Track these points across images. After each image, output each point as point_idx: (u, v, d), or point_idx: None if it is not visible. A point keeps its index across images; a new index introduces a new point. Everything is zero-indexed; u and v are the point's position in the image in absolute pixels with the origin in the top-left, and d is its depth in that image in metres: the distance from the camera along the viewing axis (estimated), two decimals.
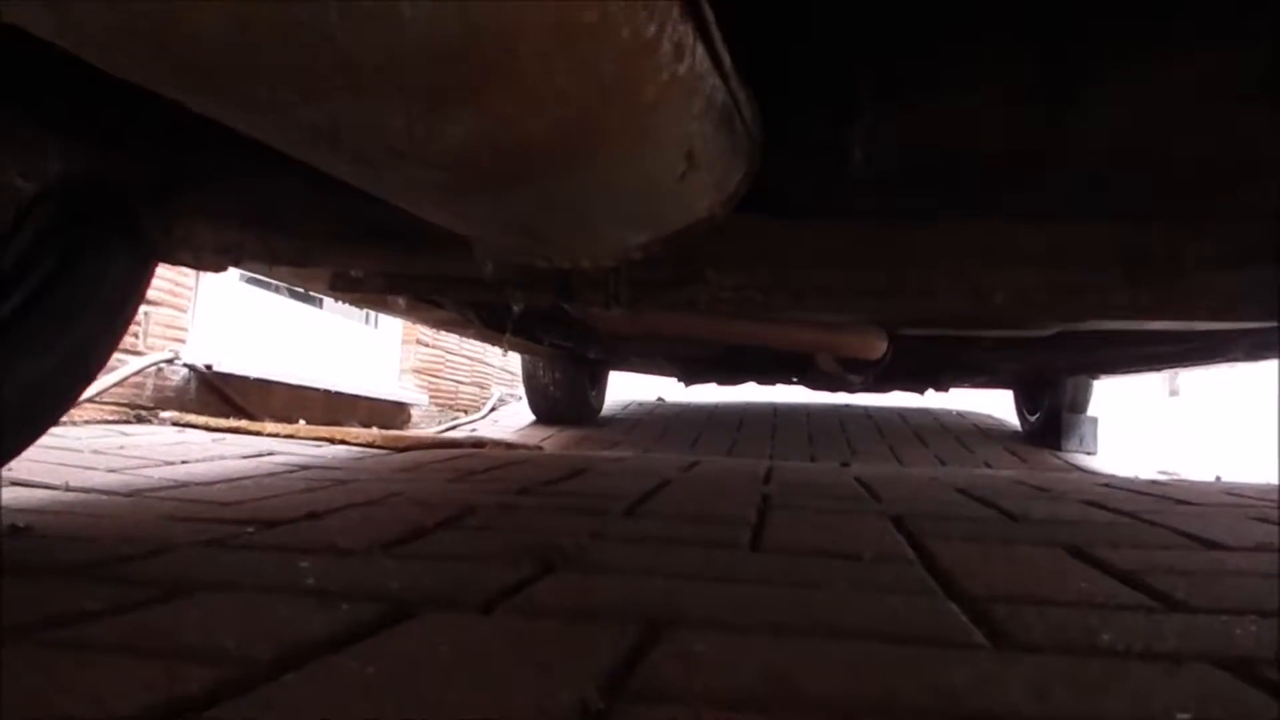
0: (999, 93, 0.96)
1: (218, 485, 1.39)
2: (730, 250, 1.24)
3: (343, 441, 2.17)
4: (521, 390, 4.70)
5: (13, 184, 0.76)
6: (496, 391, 5.45)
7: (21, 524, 0.91)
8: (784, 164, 1.02)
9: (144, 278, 1.09)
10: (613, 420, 4.91)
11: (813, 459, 3.42)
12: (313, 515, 1.10)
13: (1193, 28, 0.87)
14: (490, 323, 1.93)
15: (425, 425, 4.30)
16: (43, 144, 0.77)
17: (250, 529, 0.99)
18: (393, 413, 4.11)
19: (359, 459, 1.98)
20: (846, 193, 1.15)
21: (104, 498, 1.19)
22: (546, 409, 4.37)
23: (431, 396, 4.54)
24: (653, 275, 1.26)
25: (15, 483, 1.18)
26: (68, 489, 1.22)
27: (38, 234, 0.89)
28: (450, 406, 4.79)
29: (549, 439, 4.06)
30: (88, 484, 1.28)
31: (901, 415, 5.07)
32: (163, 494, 1.26)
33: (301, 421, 2.79)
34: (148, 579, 0.73)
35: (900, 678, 0.54)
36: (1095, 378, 3.52)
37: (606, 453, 2.98)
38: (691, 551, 0.95)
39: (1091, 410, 3.75)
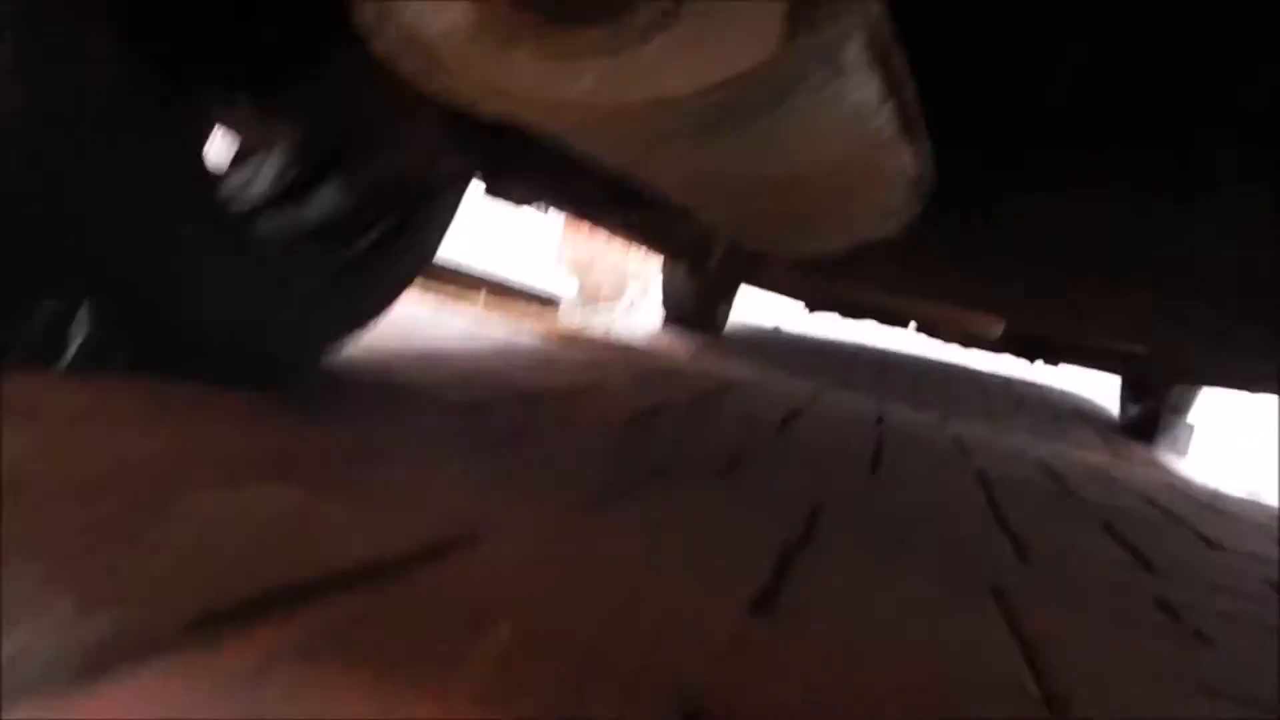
0: (1083, 197, 1.30)
1: (468, 359, 1.88)
2: (890, 247, 1.61)
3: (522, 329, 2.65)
4: (654, 289, 5.13)
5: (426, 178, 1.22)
6: (632, 287, 5.91)
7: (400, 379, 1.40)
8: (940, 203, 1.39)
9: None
10: (733, 338, 5.32)
11: (915, 409, 3.76)
12: (566, 394, 1.56)
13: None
14: (675, 254, 2.34)
15: (571, 314, 4.80)
16: (452, 156, 1.22)
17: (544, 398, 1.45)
18: (545, 301, 4.61)
19: (543, 346, 2.46)
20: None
21: (414, 360, 1.68)
22: (677, 314, 4.80)
23: (580, 288, 5.02)
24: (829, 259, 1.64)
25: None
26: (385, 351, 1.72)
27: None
28: (594, 298, 5.28)
29: (679, 344, 4.51)
30: (393, 348, 1.78)
31: (1007, 382, 5.29)
32: (444, 361, 1.75)
33: (480, 303, 3.30)
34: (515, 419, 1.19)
35: (957, 566, 0.95)
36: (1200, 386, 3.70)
37: (734, 371, 3.40)
38: (830, 465, 1.36)
39: (1192, 416, 3.93)
